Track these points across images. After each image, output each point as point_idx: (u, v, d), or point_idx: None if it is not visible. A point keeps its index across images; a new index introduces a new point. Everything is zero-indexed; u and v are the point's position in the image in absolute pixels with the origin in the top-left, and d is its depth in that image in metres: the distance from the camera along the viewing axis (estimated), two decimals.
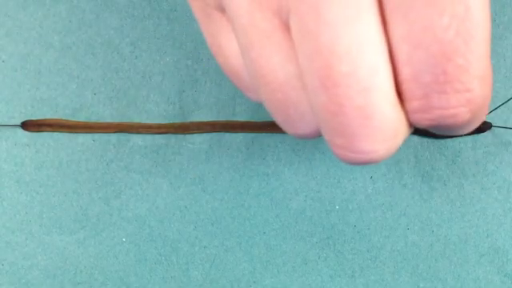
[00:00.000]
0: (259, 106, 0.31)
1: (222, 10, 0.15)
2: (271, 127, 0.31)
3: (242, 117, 0.31)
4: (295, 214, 0.31)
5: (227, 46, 0.16)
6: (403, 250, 0.31)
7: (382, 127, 0.13)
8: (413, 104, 0.13)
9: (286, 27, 0.14)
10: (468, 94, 0.13)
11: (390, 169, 0.31)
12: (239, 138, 0.32)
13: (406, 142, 0.31)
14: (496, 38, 0.30)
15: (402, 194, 0.31)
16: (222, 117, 0.31)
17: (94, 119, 0.32)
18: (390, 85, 0.13)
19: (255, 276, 0.31)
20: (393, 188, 0.31)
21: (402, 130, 0.14)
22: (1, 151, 0.32)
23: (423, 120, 0.14)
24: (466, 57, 0.12)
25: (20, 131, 0.32)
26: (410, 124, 0.14)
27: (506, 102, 0.30)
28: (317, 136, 0.16)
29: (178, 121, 0.31)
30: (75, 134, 0.32)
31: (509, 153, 0.31)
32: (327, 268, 0.31)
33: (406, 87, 0.13)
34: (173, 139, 0.32)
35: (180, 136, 0.32)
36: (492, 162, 0.31)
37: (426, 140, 0.31)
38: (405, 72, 0.13)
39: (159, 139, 0.32)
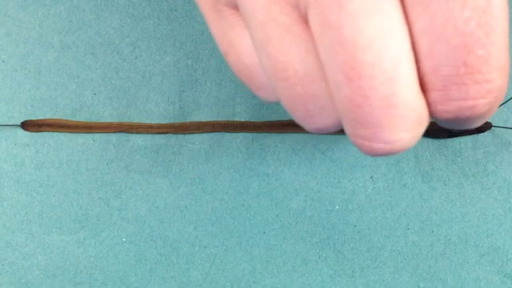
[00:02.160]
0: (259, 106, 0.31)
1: (233, 6, 0.15)
2: (271, 127, 0.31)
3: (242, 117, 0.31)
4: (295, 213, 0.31)
5: (239, 44, 0.16)
6: (403, 249, 0.31)
7: (407, 116, 0.13)
8: (433, 95, 0.13)
9: (304, 20, 0.14)
10: (487, 85, 0.13)
11: (390, 169, 0.31)
12: (239, 138, 0.32)
13: None
14: None
15: (402, 193, 0.31)
16: (222, 117, 0.31)
17: (94, 119, 0.32)
18: (413, 74, 0.13)
19: (255, 276, 0.31)
20: (393, 188, 0.31)
21: (424, 119, 0.14)
22: (1, 151, 0.32)
23: (442, 112, 0.14)
24: (487, 48, 0.12)
25: (20, 131, 0.32)
26: (430, 116, 0.14)
27: (505, 101, 0.30)
28: (336, 129, 0.16)
29: (178, 121, 0.31)
30: (75, 134, 0.32)
31: (509, 153, 0.31)
32: (327, 268, 0.31)
33: (427, 79, 0.13)
34: (173, 139, 0.32)
35: (180, 136, 0.32)
36: (492, 161, 0.31)
37: (426, 140, 0.31)
38: (426, 64, 0.13)
39: (159, 139, 0.32)
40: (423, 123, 0.14)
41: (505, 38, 0.13)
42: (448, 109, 0.13)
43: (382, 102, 0.13)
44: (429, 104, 0.14)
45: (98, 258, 0.32)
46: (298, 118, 0.16)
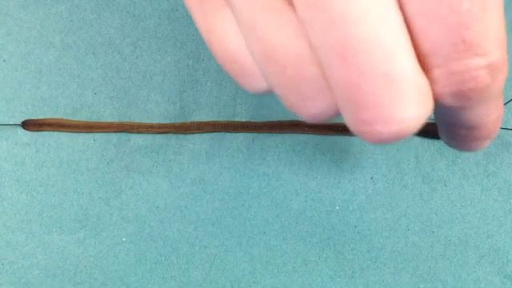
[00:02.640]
0: (260, 106, 0.31)
1: None
2: (272, 127, 0.31)
3: (242, 117, 0.31)
4: (295, 214, 0.31)
5: (224, 29, 0.15)
6: (403, 250, 0.31)
7: (412, 90, 0.13)
8: (435, 72, 0.13)
9: (289, 2, 0.13)
10: (487, 56, 0.13)
11: (391, 169, 0.31)
12: (240, 138, 0.32)
13: (406, 143, 0.31)
14: None
15: (402, 194, 0.31)
16: (223, 117, 0.31)
17: (94, 119, 0.32)
18: (410, 48, 0.13)
19: (255, 276, 0.31)
20: (393, 189, 0.31)
21: (429, 96, 0.13)
22: (1, 150, 0.32)
23: (445, 86, 0.13)
24: (484, 22, 0.12)
25: (20, 130, 0.32)
26: (434, 96, 0.14)
27: (506, 103, 0.30)
28: (331, 115, 0.15)
29: (178, 121, 0.31)
30: (76, 134, 0.32)
31: (509, 154, 0.31)
32: (327, 268, 0.31)
33: (427, 59, 0.13)
34: (173, 139, 0.32)
35: (180, 136, 0.32)
36: (492, 162, 0.31)
37: (426, 141, 0.31)
38: (425, 45, 0.13)
39: (160, 139, 0.32)
40: (428, 100, 0.13)
41: (500, 10, 0.12)
42: (450, 83, 0.13)
43: (383, 78, 0.12)
44: (432, 82, 0.13)
45: (97, 257, 0.32)
46: (292, 103, 0.15)
